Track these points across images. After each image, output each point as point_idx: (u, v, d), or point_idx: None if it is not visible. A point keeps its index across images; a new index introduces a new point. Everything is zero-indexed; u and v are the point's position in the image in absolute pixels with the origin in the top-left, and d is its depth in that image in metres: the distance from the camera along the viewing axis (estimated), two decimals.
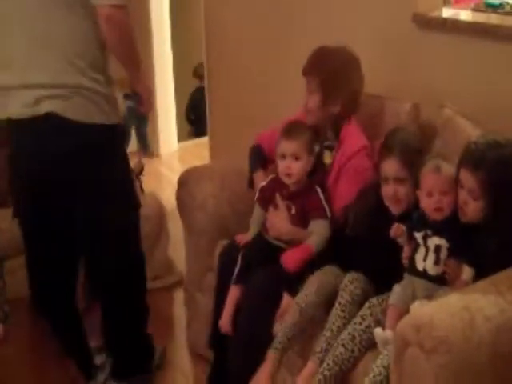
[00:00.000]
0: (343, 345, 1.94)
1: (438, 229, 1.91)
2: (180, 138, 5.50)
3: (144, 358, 2.64)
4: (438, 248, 1.91)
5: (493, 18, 2.57)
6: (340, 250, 2.21)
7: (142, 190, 3.53)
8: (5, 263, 3.11)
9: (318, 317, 2.10)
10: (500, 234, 1.81)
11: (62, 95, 2.12)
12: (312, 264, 2.20)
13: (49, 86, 2.12)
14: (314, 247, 2.21)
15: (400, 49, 2.78)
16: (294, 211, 2.30)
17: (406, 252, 1.99)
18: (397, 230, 1.99)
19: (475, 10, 2.69)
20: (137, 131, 5.09)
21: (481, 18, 2.60)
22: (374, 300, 2.00)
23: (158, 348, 2.77)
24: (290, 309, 2.11)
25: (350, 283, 2.06)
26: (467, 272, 1.84)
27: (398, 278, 1.98)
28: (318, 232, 2.24)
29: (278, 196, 2.32)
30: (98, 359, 2.63)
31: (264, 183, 2.42)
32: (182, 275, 3.26)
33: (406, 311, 1.85)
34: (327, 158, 2.39)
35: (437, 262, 1.90)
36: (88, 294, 2.89)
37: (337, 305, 2.03)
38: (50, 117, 2.12)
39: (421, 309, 1.79)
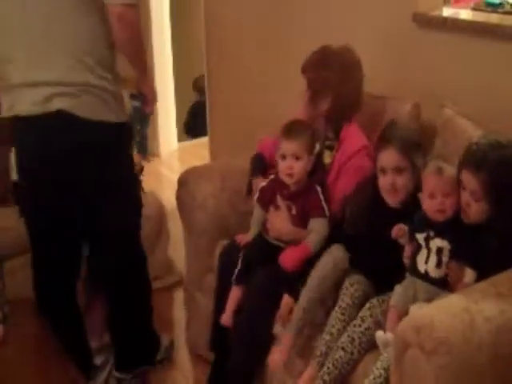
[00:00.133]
0: (343, 348, 1.94)
1: (440, 230, 1.90)
2: (180, 138, 5.50)
3: (148, 352, 2.66)
4: (439, 250, 1.89)
5: (493, 18, 2.57)
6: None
7: (142, 189, 3.52)
8: (5, 264, 3.10)
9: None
10: (502, 235, 1.80)
11: (71, 93, 2.12)
12: (311, 263, 2.19)
13: (57, 83, 2.11)
14: (312, 247, 2.20)
15: (400, 48, 2.78)
16: (294, 212, 2.29)
17: (407, 251, 1.98)
18: (398, 230, 1.98)
19: (475, 9, 2.70)
20: (138, 132, 5.07)
21: (481, 17, 2.61)
22: (374, 301, 1.99)
23: (165, 341, 2.79)
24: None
25: (351, 286, 2.05)
26: (469, 275, 1.82)
27: (400, 278, 1.97)
28: (316, 230, 2.24)
29: (279, 197, 2.32)
30: (98, 359, 2.64)
31: (264, 183, 2.41)
32: (181, 275, 3.25)
33: (406, 313, 1.85)
34: (327, 157, 2.38)
35: (439, 265, 1.89)
36: (89, 289, 2.89)
37: (337, 308, 2.02)
38: (60, 114, 2.11)
39: (420, 310, 1.78)
